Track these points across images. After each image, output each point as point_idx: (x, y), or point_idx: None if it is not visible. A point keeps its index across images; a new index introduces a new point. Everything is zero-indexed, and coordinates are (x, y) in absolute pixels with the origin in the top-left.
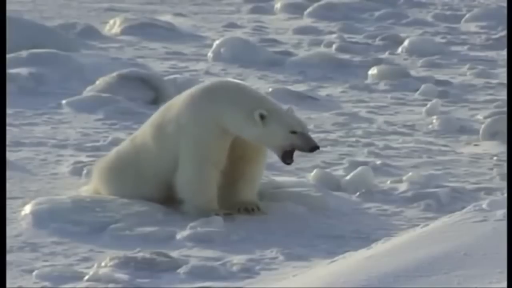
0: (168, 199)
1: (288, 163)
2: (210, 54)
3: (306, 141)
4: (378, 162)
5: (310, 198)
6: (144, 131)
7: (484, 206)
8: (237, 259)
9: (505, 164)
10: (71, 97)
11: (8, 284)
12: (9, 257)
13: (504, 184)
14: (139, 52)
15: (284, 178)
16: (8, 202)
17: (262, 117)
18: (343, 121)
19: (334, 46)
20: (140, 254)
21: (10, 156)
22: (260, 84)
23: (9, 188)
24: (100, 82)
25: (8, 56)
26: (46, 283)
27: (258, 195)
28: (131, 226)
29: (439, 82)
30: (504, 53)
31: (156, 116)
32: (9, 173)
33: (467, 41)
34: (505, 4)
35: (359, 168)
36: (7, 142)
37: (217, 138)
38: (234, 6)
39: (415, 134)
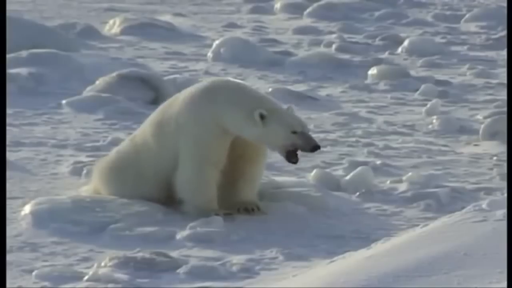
0: (169, 199)
1: (294, 162)
2: (210, 54)
3: (307, 140)
4: (378, 162)
5: (310, 198)
6: (144, 130)
7: (484, 206)
8: (237, 259)
9: (505, 164)
10: (71, 97)
11: (8, 284)
12: (9, 257)
13: (504, 184)
14: (139, 52)
15: (284, 178)
16: (8, 202)
17: (262, 117)
18: (343, 121)
19: (334, 46)
20: (140, 254)
21: (10, 156)
22: (260, 84)
23: (9, 188)
24: (100, 82)
25: (8, 56)
26: (46, 283)
27: (258, 195)
28: (131, 226)
29: (439, 82)
30: (504, 53)
31: (155, 114)
32: (9, 173)
33: (467, 41)
34: (505, 4)
35: (359, 168)
36: (7, 142)
37: (217, 138)
38: (234, 6)
39: (415, 134)
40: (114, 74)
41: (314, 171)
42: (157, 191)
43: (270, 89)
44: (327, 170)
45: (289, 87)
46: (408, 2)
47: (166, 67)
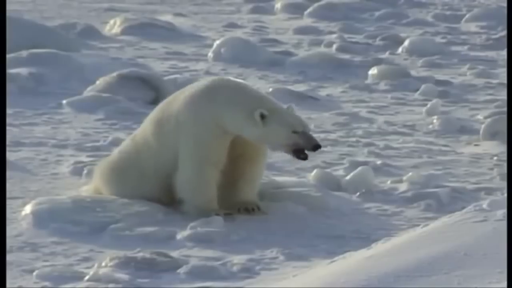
0: (170, 198)
1: (303, 158)
2: (210, 54)
3: (308, 140)
4: (378, 162)
5: (310, 198)
6: (144, 129)
7: (484, 206)
8: (237, 259)
9: (505, 164)
10: (71, 97)
11: (8, 284)
12: (9, 257)
13: (504, 184)
14: (139, 52)
15: (284, 178)
16: (8, 202)
17: (262, 116)
18: (343, 121)
19: (334, 46)
20: (140, 254)
21: (10, 156)
22: (261, 84)
23: (9, 188)
24: (100, 82)
25: (8, 56)
26: (46, 283)
27: (258, 195)
28: (131, 226)
29: (439, 82)
30: (504, 53)
31: (155, 112)
32: (9, 173)
33: (467, 41)
34: (505, 4)
35: (359, 168)
36: (7, 142)
37: (217, 137)
38: (234, 6)
39: (415, 134)
40: (114, 74)
41: (315, 171)
42: (158, 190)
43: (270, 89)
44: (328, 170)
45: (290, 87)
46: (408, 2)
47: (167, 67)
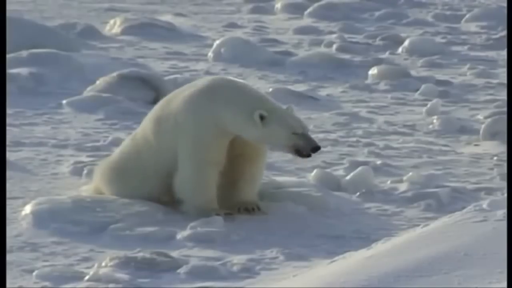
0: (171, 197)
1: (308, 155)
2: (210, 54)
3: (307, 142)
4: (379, 162)
5: (310, 198)
6: (144, 127)
7: (484, 206)
8: (237, 259)
9: (505, 164)
10: (71, 97)
11: (8, 284)
12: (9, 257)
13: (504, 184)
14: (139, 52)
15: (284, 178)
16: (8, 202)
17: (262, 118)
18: (343, 121)
19: (334, 46)
20: (140, 254)
21: (10, 156)
22: (261, 84)
23: (9, 188)
24: (100, 82)
25: (8, 56)
26: (46, 283)
27: (258, 195)
28: (131, 226)
29: (439, 82)
30: (504, 53)
31: (155, 109)
32: (9, 173)
33: (468, 41)
34: (505, 4)
35: (359, 168)
36: (7, 142)
37: (216, 137)
38: (235, 6)
39: (416, 134)
40: (114, 74)
41: (315, 171)
42: (159, 189)
43: (270, 89)
44: (328, 170)
45: (290, 87)
46: (408, 2)
47: (167, 67)
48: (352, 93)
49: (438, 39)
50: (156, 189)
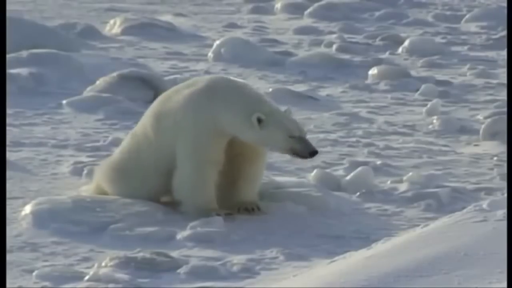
0: (171, 195)
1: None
2: (210, 54)
3: (305, 145)
4: (378, 162)
5: (310, 198)
6: (144, 123)
7: (484, 206)
8: (237, 259)
9: (505, 164)
10: (71, 97)
11: (8, 284)
12: (9, 257)
13: (504, 184)
14: (139, 52)
15: (284, 178)
16: (8, 202)
17: (259, 120)
18: (343, 121)
19: (334, 46)
20: (140, 254)
21: (10, 156)
22: (261, 84)
23: (9, 188)
24: (100, 82)
25: (8, 56)
26: (46, 283)
27: (258, 195)
28: (131, 226)
29: (439, 82)
30: (504, 53)
31: (155, 105)
32: (9, 173)
33: (467, 41)
34: (505, 4)
35: (359, 168)
36: (7, 142)
37: (215, 137)
38: (234, 6)
39: (416, 134)
40: (114, 74)
41: (315, 171)
42: (160, 187)
43: (270, 89)
44: (328, 170)
45: (290, 87)
46: (408, 2)
47: (167, 67)
48: (352, 93)
49: (438, 39)
50: (157, 188)
